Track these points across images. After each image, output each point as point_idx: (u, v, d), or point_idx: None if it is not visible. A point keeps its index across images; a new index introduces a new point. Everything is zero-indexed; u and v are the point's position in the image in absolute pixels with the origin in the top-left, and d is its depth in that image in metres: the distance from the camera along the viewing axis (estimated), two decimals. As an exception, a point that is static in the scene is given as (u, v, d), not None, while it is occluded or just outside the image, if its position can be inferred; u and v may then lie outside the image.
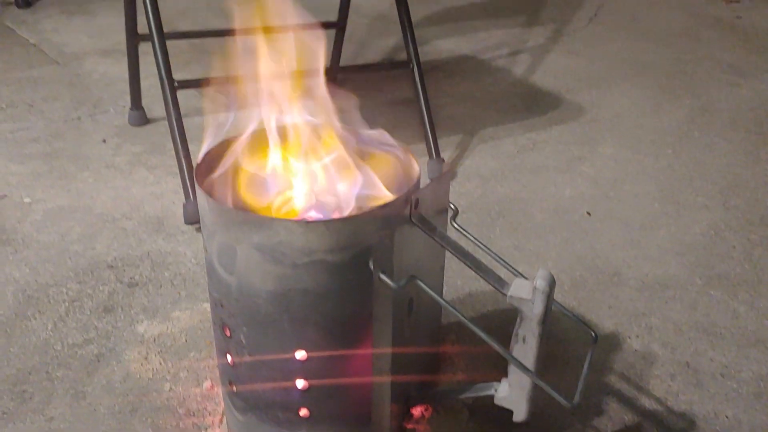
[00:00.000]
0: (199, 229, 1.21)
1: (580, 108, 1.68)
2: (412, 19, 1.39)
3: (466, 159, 1.46)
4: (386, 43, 2.00)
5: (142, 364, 0.94)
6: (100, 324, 1.01)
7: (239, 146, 0.76)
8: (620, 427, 0.86)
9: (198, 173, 0.70)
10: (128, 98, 1.55)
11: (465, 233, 0.81)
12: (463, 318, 0.67)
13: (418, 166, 0.74)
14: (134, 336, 0.98)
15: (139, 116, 1.56)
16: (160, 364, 0.94)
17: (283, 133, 0.76)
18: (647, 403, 0.90)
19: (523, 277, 0.72)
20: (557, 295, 0.81)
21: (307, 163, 0.75)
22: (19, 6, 2.25)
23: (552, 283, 0.67)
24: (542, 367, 0.71)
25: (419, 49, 1.40)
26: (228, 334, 0.71)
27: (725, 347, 0.99)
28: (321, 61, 0.77)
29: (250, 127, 0.76)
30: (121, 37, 1.47)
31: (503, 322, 1.01)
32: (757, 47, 2.05)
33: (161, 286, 1.08)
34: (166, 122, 1.24)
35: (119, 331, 0.99)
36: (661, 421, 0.87)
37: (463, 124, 1.59)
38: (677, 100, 1.73)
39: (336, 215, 0.71)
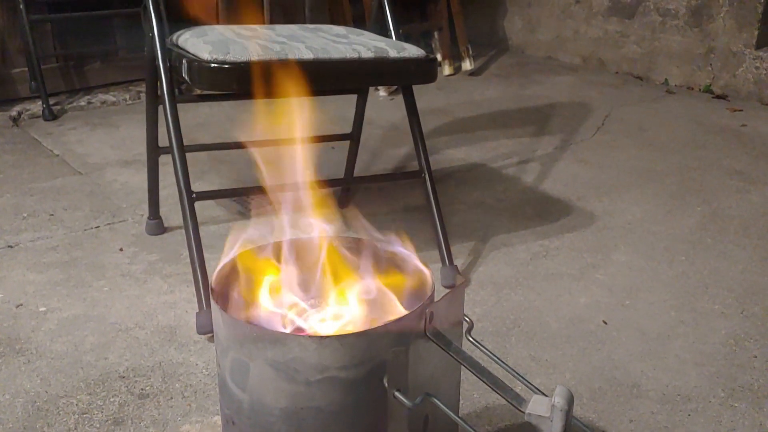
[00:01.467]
0: (211, 339, 1.21)
1: (592, 215, 1.70)
2: (424, 130, 1.44)
3: (479, 266, 1.47)
4: (399, 152, 2.05)
5: (149, 482, 0.91)
6: (108, 438, 0.99)
7: (255, 260, 0.77)
8: None
9: (213, 288, 0.71)
10: (146, 207, 1.59)
11: (480, 347, 0.80)
12: (480, 437, 0.66)
13: (432, 279, 0.75)
14: (143, 451, 0.96)
15: (157, 225, 1.59)
16: (168, 482, 0.91)
17: (298, 246, 0.77)
18: None
19: (541, 393, 0.71)
20: (576, 408, 0.79)
21: (321, 277, 0.75)
22: (45, 119, 2.34)
23: (570, 400, 0.65)
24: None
25: (431, 158, 1.43)
26: (239, 452, 0.70)
27: (753, 465, 0.95)
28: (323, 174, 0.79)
29: (265, 241, 0.77)
30: (142, 148, 1.52)
31: (521, 438, 0.99)
32: (763, 153, 2.08)
33: (172, 398, 1.07)
34: (183, 231, 1.26)
35: (128, 446, 0.97)
36: None
37: (476, 231, 1.61)
38: (688, 207, 1.74)
39: (350, 330, 0.71)
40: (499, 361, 0.76)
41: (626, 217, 1.69)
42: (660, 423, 1.03)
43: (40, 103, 2.35)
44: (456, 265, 1.41)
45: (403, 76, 1.31)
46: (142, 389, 1.09)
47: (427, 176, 1.40)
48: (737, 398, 1.08)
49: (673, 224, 1.66)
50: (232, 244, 0.76)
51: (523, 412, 0.66)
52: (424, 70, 1.25)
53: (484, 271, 1.45)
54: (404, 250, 0.80)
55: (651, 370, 1.15)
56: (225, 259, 0.73)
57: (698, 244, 1.56)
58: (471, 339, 0.78)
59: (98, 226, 1.63)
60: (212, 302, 0.68)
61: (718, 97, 2.65)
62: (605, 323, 1.27)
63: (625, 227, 1.64)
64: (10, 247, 1.53)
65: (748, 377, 1.13)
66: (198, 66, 1.15)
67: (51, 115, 2.35)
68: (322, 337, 0.67)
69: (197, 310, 1.23)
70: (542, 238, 1.58)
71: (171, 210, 1.64)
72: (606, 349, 1.20)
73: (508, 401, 0.67)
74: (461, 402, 0.90)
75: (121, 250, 1.52)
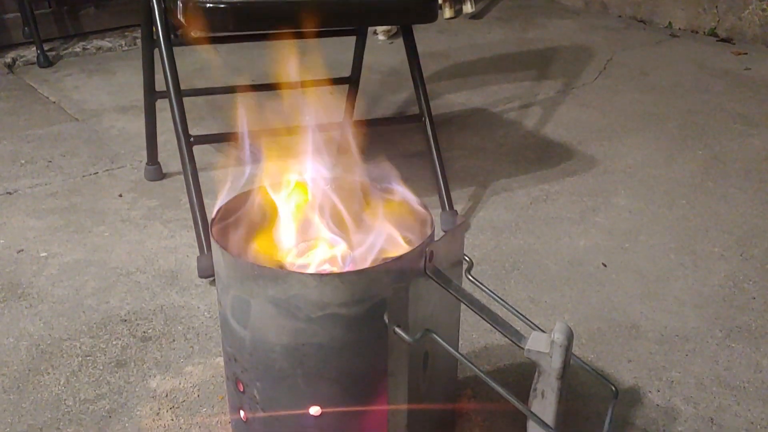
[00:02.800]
0: (212, 283, 1.21)
1: (593, 159, 1.69)
2: (424, 74, 1.42)
3: (480, 211, 1.46)
4: (399, 98, 2.03)
5: (153, 420, 0.92)
6: (112, 379, 1.00)
7: (254, 200, 0.76)
8: (643, 485, 0.83)
9: (213, 227, 0.71)
10: (145, 154, 1.58)
11: (480, 286, 0.80)
12: (479, 372, 0.66)
13: (432, 219, 0.74)
14: (146, 391, 0.97)
15: (155, 171, 1.58)
16: (172, 420, 0.92)
17: (298, 187, 0.76)
18: (671, 460, 0.87)
19: (540, 330, 0.72)
20: (575, 349, 0.80)
21: (321, 216, 0.75)
22: (40, 65, 2.30)
23: (570, 336, 0.66)
24: (562, 423, 0.69)
25: (431, 103, 1.41)
26: (241, 389, 0.70)
27: (750, 402, 0.96)
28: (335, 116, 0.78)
29: (266, 181, 0.77)
30: (139, 94, 1.50)
31: (521, 377, 1.00)
32: (767, 97, 2.06)
33: (174, 340, 1.08)
34: (182, 177, 1.25)
35: (131, 386, 0.99)
36: (685, 480, 0.84)
37: (476, 176, 1.60)
38: (690, 151, 1.73)
39: (351, 268, 0.71)
40: (499, 299, 0.77)
41: (627, 161, 1.68)
42: (658, 363, 1.04)
43: (35, 49, 2.31)
44: (456, 210, 1.41)
45: (402, 15, 1.28)
46: (144, 332, 1.10)
47: (427, 120, 1.39)
48: (735, 338, 1.09)
49: (675, 168, 1.65)
50: (231, 184, 0.75)
51: (523, 348, 0.67)
52: (424, 9, 1.23)
53: (483, 216, 1.44)
54: (404, 191, 0.79)
55: (650, 311, 1.15)
56: (225, 196, 0.73)
57: (699, 187, 1.56)
58: (471, 278, 0.79)
59: (97, 173, 1.62)
60: (212, 239, 0.68)
61: (723, 40, 2.60)
62: (605, 266, 1.28)
63: (625, 171, 1.63)
64: (9, 193, 1.53)
65: (746, 318, 1.14)
66: (193, 6, 1.12)
67: (46, 62, 2.31)
68: (322, 274, 0.67)
69: (198, 255, 1.23)
70: (543, 182, 1.57)
71: (169, 156, 1.62)
72: (605, 291, 1.20)
73: (507, 337, 0.67)
74: (460, 343, 0.91)
75: (120, 195, 1.52)
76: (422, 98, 1.39)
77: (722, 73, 2.25)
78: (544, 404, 0.67)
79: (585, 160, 1.68)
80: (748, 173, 1.62)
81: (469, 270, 0.79)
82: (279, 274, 0.66)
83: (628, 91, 2.11)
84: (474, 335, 1.08)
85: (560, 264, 1.28)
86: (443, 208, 1.39)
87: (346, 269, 0.71)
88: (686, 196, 1.52)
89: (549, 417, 0.67)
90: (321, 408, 0.68)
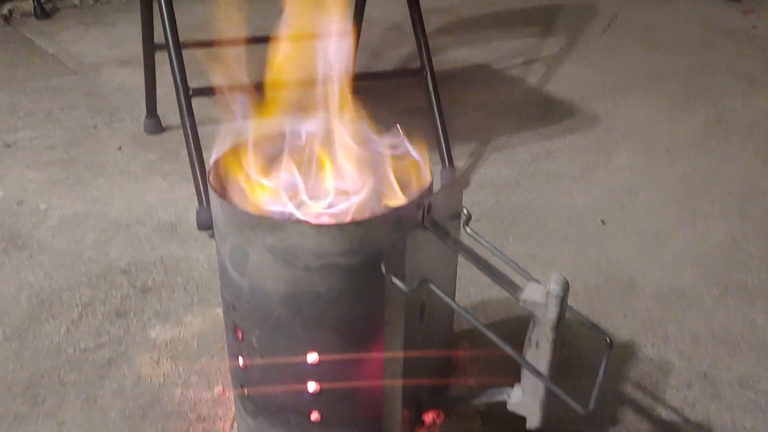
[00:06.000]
0: (212, 236, 1.21)
1: (595, 117, 1.68)
2: (426, 29, 1.40)
3: (480, 167, 1.46)
4: (400, 52, 2.00)
5: (153, 369, 0.93)
6: (112, 329, 1.01)
7: (253, 151, 0.76)
8: (636, 436, 0.85)
9: (211, 176, 0.70)
10: (144, 107, 1.57)
11: (478, 238, 0.80)
12: (475, 321, 0.67)
13: (431, 171, 0.74)
14: (146, 341, 0.99)
15: (155, 124, 1.57)
16: (172, 368, 0.94)
17: (297, 138, 0.76)
18: (663, 413, 0.88)
19: (537, 281, 0.72)
20: (571, 304, 0.80)
21: (320, 167, 0.75)
22: (38, 17, 2.28)
23: (566, 287, 0.66)
24: (556, 374, 0.70)
25: (433, 58, 1.40)
26: (240, 336, 0.71)
27: (743, 357, 0.97)
28: (337, 67, 0.77)
29: (264, 132, 0.76)
30: (137, 47, 1.49)
31: (516, 330, 1.00)
32: (773, 57, 2.04)
33: (174, 291, 1.09)
34: (181, 130, 1.25)
35: (131, 335, 1.00)
36: None
37: (477, 133, 1.59)
38: (692, 110, 1.72)
39: (349, 219, 0.71)
40: (496, 251, 0.77)
41: (629, 119, 1.67)
42: (654, 318, 1.05)
43: (32, 1, 2.28)
44: (456, 167, 1.40)
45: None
46: (144, 283, 1.10)
47: (428, 74, 1.37)
48: (731, 296, 1.10)
49: (677, 126, 1.64)
50: (229, 135, 0.75)
51: (518, 299, 0.67)
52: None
53: (484, 173, 1.44)
54: (404, 143, 0.79)
55: (647, 268, 1.16)
56: (223, 145, 0.72)
57: (701, 146, 1.55)
58: (469, 230, 0.79)
59: (96, 126, 1.61)
60: (209, 188, 0.67)
61: (731, -2, 2.56)
62: (603, 223, 1.28)
63: (627, 129, 1.62)
64: (8, 146, 1.52)
65: (743, 276, 1.14)
66: (191, -46, 1.10)
67: (43, 14, 2.28)
68: (320, 224, 0.67)
69: (197, 207, 1.23)
70: (544, 139, 1.57)
71: (169, 110, 1.61)
72: (603, 248, 1.21)
73: (504, 287, 0.68)
74: (457, 297, 0.91)
75: (119, 148, 1.51)
76: (424, 52, 1.38)
77: (728, 32, 2.22)
78: (539, 354, 0.67)
79: (587, 118, 1.67)
80: (750, 133, 1.61)
81: (467, 223, 0.79)
82: (277, 223, 0.66)
83: (632, 49, 2.09)
84: (471, 290, 1.08)
85: (559, 221, 1.28)
86: (443, 164, 1.38)
87: (345, 220, 0.71)
88: (687, 154, 1.52)
89: (543, 366, 0.68)
90: (319, 355, 0.68)
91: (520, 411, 0.72)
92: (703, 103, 1.75)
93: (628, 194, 1.37)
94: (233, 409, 0.85)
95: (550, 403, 0.71)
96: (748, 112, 1.70)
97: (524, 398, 0.71)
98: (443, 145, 1.38)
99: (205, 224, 1.20)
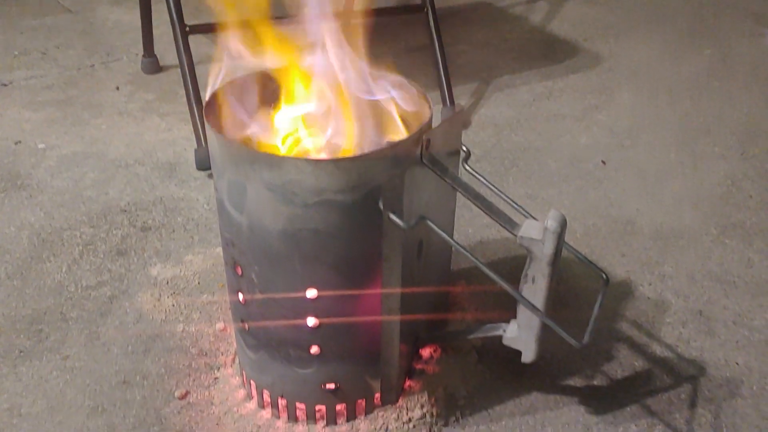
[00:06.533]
0: (211, 176, 1.21)
1: (598, 57, 1.65)
2: (427, -36, 1.37)
3: (481, 107, 1.45)
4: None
5: (154, 306, 0.95)
6: (113, 267, 1.02)
7: (250, 87, 0.75)
8: (630, 372, 0.86)
9: (207, 112, 0.70)
10: (141, 46, 1.54)
11: (477, 175, 0.80)
12: (471, 256, 0.67)
13: (431, 106, 0.73)
14: (147, 278, 0.99)
15: (152, 64, 1.55)
16: (173, 305, 0.95)
17: (294, 74, 0.75)
18: (658, 349, 0.90)
19: (534, 219, 0.72)
20: (570, 243, 0.81)
21: (318, 103, 0.74)
22: (30, -47, 2.22)
23: (563, 224, 0.66)
24: (552, 311, 0.71)
25: (434, -5, 1.37)
26: (239, 272, 0.72)
27: (738, 295, 0.98)
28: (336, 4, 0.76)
29: (261, 67, 0.75)
30: (132, -18, 1.46)
31: (514, 269, 1.01)
32: (782, -4, 2.00)
33: (174, 231, 1.09)
34: (179, 70, 1.23)
35: (132, 273, 1.00)
36: (671, 368, 0.87)
37: (479, 72, 1.57)
38: (697, 50, 1.69)
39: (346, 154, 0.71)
40: (494, 188, 0.77)
41: (633, 58, 1.65)
42: (651, 257, 1.05)
43: (23, -64, 2.23)
44: (459, 105, 1.39)
45: None
46: (144, 222, 1.11)
47: (429, 11, 1.35)
48: (729, 235, 1.10)
49: (681, 67, 1.61)
50: (225, 69, 0.74)
51: (516, 235, 0.67)
52: None
53: (485, 113, 1.43)
54: (402, 79, 0.78)
55: (646, 208, 1.16)
56: (218, 80, 0.72)
57: (704, 86, 1.53)
58: (468, 168, 0.78)
59: (93, 65, 1.59)
60: (206, 124, 0.67)
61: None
62: (604, 163, 1.27)
63: (630, 69, 1.60)
64: (4, 85, 1.51)
65: (741, 216, 1.14)
66: None
67: (36, -50, 2.22)
68: (318, 160, 0.66)
69: (196, 147, 1.22)
70: (546, 79, 1.55)
71: (166, 49, 1.59)
72: (603, 188, 1.21)
73: (501, 224, 0.68)
74: (455, 236, 0.92)
75: (117, 88, 1.50)
76: (424, -11, 1.35)
77: (737, -31, 2.17)
78: (535, 289, 0.68)
79: (590, 58, 1.65)
80: (755, 73, 1.59)
81: (466, 160, 0.79)
82: (274, 158, 0.65)
83: (638, -13, 2.05)
84: (469, 230, 1.09)
85: (560, 161, 1.28)
86: (444, 103, 1.37)
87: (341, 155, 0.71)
88: (690, 94, 1.50)
89: (539, 301, 0.68)
90: (317, 290, 0.69)
91: (515, 345, 0.73)
92: (708, 43, 1.72)
93: (630, 134, 1.36)
94: (234, 344, 0.87)
95: (545, 338, 0.72)
96: (753, 53, 1.68)
97: (520, 333, 0.72)
98: (444, 84, 1.36)
99: (204, 164, 1.20)
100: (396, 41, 1.65)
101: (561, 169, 1.26)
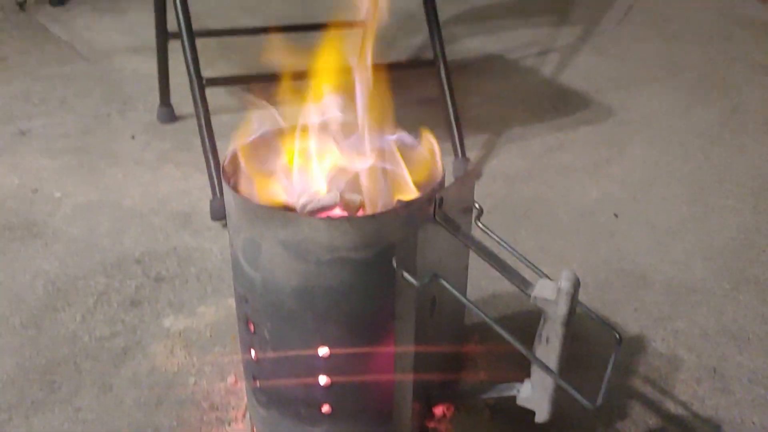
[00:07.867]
0: (225, 226, 1.22)
1: (609, 109, 1.67)
2: (440, 18, 1.39)
3: (493, 159, 1.46)
4: (413, 42, 1.99)
5: (167, 358, 0.95)
6: (127, 317, 1.02)
7: (268, 145, 0.76)
8: (644, 430, 0.85)
9: (225, 169, 0.71)
10: (157, 95, 1.57)
11: (489, 233, 0.80)
12: (485, 317, 0.67)
13: (442, 165, 0.74)
14: (160, 330, 1.00)
15: (168, 113, 1.58)
16: (185, 358, 0.95)
17: (310, 131, 0.76)
18: (672, 407, 0.89)
19: (548, 277, 0.72)
20: (582, 297, 0.81)
21: (333, 161, 0.75)
22: (52, 4, 2.28)
23: (577, 284, 0.66)
24: (565, 369, 0.70)
25: (446, 48, 1.39)
26: (252, 329, 0.72)
27: (753, 352, 0.97)
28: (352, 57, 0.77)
29: (279, 126, 0.77)
30: (151, 34, 1.49)
31: (527, 324, 1.00)
32: (791, 48, 2.01)
33: (187, 282, 1.10)
34: (195, 119, 1.25)
35: (146, 324, 1.01)
36: (686, 426, 0.86)
37: (490, 124, 1.59)
38: (709, 102, 1.70)
39: (360, 213, 0.72)
40: (507, 246, 0.77)
41: (644, 111, 1.66)
42: (663, 312, 1.05)
43: (46, -13, 2.29)
44: (469, 158, 1.40)
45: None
46: (157, 273, 1.12)
47: (441, 65, 1.37)
48: (742, 291, 1.09)
49: (692, 119, 1.63)
50: (247, 127, 0.75)
51: (529, 295, 0.67)
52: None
53: (496, 164, 1.44)
54: (414, 139, 0.79)
55: (658, 262, 1.16)
56: (238, 140, 0.73)
57: (716, 139, 1.54)
58: (480, 225, 0.79)
59: (109, 114, 1.62)
60: (223, 181, 0.68)
61: (749, -13, 2.53)
62: (616, 216, 1.28)
63: (642, 121, 1.61)
64: (23, 133, 1.53)
65: (755, 271, 1.14)
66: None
67: (58, 1, 2.29)
68: (332, 218, 0.67)
69: (211, 198, 1.24)
70: (558, 130, 1.56)
71: (182, 99, 1.61)
72: (615, 242, 1.21)
73: (514, 284, 0.68)
74: (468, 290, 0.92)
75: (133, 137, 1.52)
76: (437, 42, 1.37)
77: (748, 23, 2.20)
78: (549, 350, 0.68)
79: (601, 110, 1.66)
80: (766, 125, 1.59)
81: (478, 217, 0.79)
82: (289, 217, 0.66)
83: (649, 39, 2.07)
84: (483, 283, 1.08)
85: (571, 214, 1.28)
86: (456, 155, 1.38)
87: (357, 214, 0.71)
88: (702, 147, 1.51)
89: (552, 362, 0.68)
90: (330, 349, 0.69)
91: (529, 405, 0.73)
92: (719, 95, 1.73)
93: (641, 187, 1.36)
94: (245, 398, 0.87)
95: (558, 397, 0.71)
96: (765, 105, 1.69)
97: (533, 393, 0.71)
98: (456, 136, 1.38)
99: (219, 215, 1.21)
100: (408, 93, 1.67)
101: (572, 222, 1.26)
